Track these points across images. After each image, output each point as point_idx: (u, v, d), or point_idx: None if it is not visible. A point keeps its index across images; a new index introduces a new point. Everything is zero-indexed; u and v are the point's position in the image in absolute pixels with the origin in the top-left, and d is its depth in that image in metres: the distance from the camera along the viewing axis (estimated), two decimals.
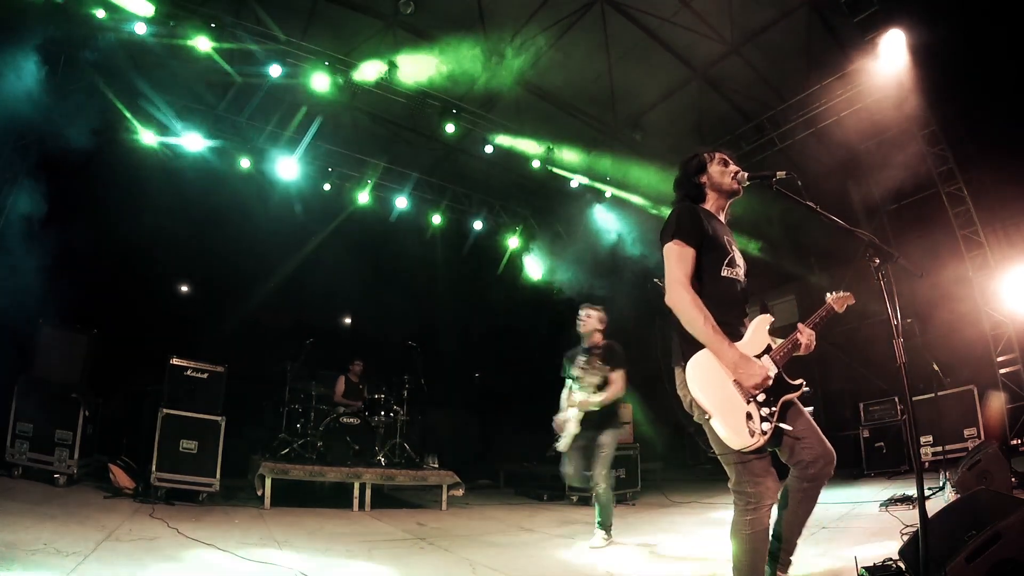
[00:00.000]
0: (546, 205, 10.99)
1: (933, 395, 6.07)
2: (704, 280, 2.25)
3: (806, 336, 2.30)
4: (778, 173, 2.34)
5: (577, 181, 9.54)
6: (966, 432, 6.21)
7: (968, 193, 7.34)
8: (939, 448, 6.05)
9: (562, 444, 4.50)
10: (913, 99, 6.99)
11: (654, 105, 8.84)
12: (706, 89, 8.44)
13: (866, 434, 7.26)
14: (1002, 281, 6.99)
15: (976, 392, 6.34)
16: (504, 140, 8.79)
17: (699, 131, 8.81)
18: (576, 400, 4.47)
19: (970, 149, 7.27)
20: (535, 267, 11.19)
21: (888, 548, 3.10)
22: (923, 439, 6.42)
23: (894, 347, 2.13)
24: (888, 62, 6.74)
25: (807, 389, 2.30)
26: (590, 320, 4.65)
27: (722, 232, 2.38)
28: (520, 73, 8.17)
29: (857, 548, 3.30)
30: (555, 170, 9.26)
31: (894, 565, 2.75)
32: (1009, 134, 6.66)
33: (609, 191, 9.75)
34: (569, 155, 9.29)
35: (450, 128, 8.34)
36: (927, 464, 6.02)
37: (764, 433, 2.06)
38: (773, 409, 2.12)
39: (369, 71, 7.52)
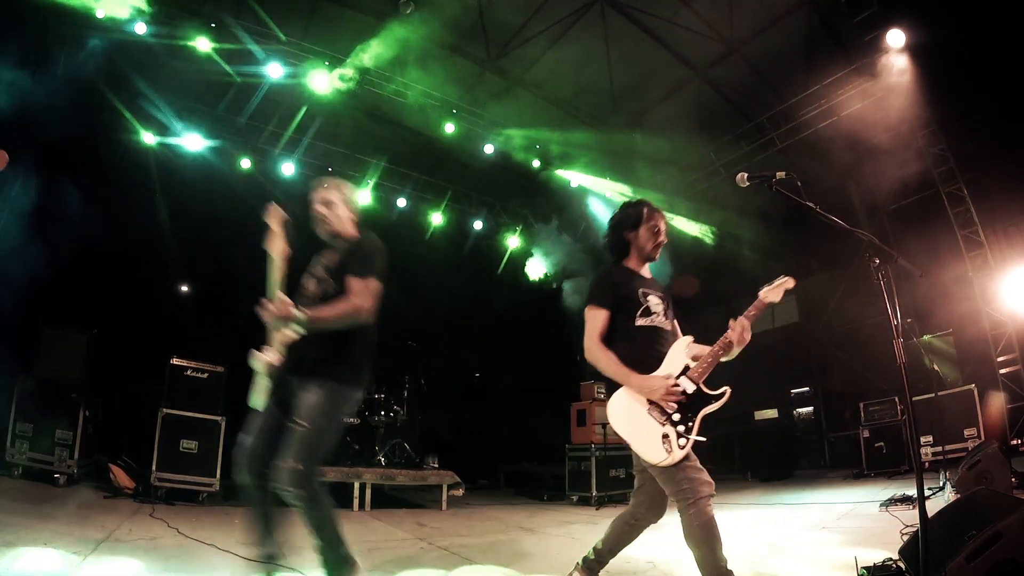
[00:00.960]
0: (546, 205, 11.00)
1: (933, 395, 6.07)
2: (621, 332, 2.54)
3: (737, 331, 2.47)
4: (777, 173, 2.35)
5: (577, 181, 9.54)
6: (966, 432, 6.21)
7: (968, 193, 7.35)
8: (939, 448, 6.04)
9: (256, 396, 2.61)
10: (913, 99, 7.00)
11: (654, 105, 8.84)
12: (706, 89, 8.45)
13: (866, 434, 7.26)
14: (1002, 281, 6.99)
15: (976, 392, 6.34)
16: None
17: (699, 131, 8.81)
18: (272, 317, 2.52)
19: (970, 149, 7.27)
20: (538, 267, 11.17)
21: (888, 548, 3.10)
22: (923, 439, 6.41)
23: (894, 347, 2.13)
24: (888, 62, 6.74)
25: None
26: (333, 209, 2.87)
27: (638, 286, 2.62)
28: (520, 73, 8.19)
29: (857, 548, 3.30)
30: (555, 170, 9.27)
31: (894, 565, 2.75)
32: (1009, 134, 6.66)
33: (609, 191, 9.75)
34: (569, 155, 9.30)
35: (450, 128, 8.34)
36: (927, 464, 6.02)
37: (682, 447, 2.28)
38: (690, 424, 2.33)
39: (369, 71, 7.54)
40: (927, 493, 2.22)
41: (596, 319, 2.55)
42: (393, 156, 9.57)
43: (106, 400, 5.98)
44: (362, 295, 2.69)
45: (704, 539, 2.19)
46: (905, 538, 3.13)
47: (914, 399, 2.11)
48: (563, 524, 5.64)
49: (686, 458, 2.28)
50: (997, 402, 6.52)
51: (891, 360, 2.11)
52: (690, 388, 2.39)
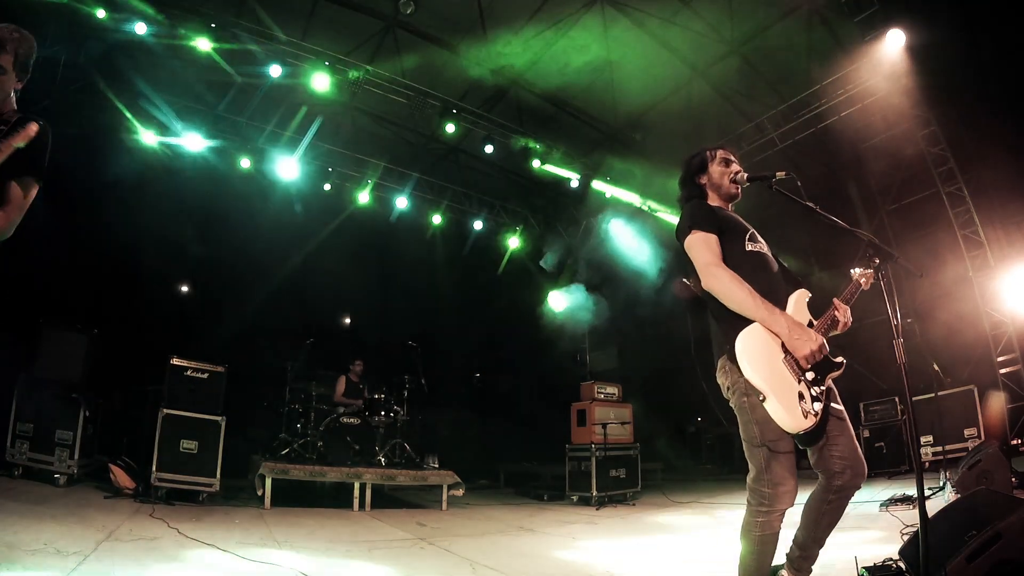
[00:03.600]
0: (546, 205, 11.00)
1: (933, 395, 6.06)
2: (733, 262, 2.21)
3: (843, 313, 2.24)
4: (778, 173, 2.34)
5: (577, 181, 9.54)
6: (966, 432, 6.21)
7: (968, 193, 7.34)
8: (939, 448, 6.04)
9: None
10: (913, 99, 6.99)
11: (654, 105, 8.84)
12: (706, 89, 8.44)
13: (866, 434, 7.26)
14: (1002, 281, 6.99)
15: (976, 392, 6.34)
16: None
17: (699, 131, 8.80)
18: None
19: (970, 149, 7.27)
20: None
21: (888, 548, 3.10)
22: (923, 439, 6.41)
23: (894, 347, 2.13)
24: (888, 62, 6.74)
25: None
26: None
27: (734, 216, 2.42)
28: (520, 73, 8.19)
29: (857, 548, 3.30)
30: (555, 170, 9.27)
31: (894, 565, 2.75)
32: (1009, 133, 6.66)
33: (609, 191, 9.74)
34: (569, 155, 9.30)
35: (450, 128, 8.34)
36: (927, 464, 6.02)
37: (816, 414, 1.99)
38: (822, 388, 2.06)
39: (369, 71, 7.54)
40: (927, 493, 2.22)
41: (709, 242, 2.19)
42: (393, 156, 9.58)
43: (106, 400, 5.98)
44: (20, 208, 1.99)
45: (758, 552, 2.07)
46: (905, 538, 3.14)
47: (914, 399, 2.10)
48: (563, 524, 5.63)
49: (787, 450, 2.01)
50: (997, 402, 6.52)
51: (891, 360, 2.11)
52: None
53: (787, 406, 1.97)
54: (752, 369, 2.01)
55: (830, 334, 2.25)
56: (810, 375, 2.05)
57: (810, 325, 2.19)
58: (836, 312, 2.25)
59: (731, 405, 2.20)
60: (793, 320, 2.08)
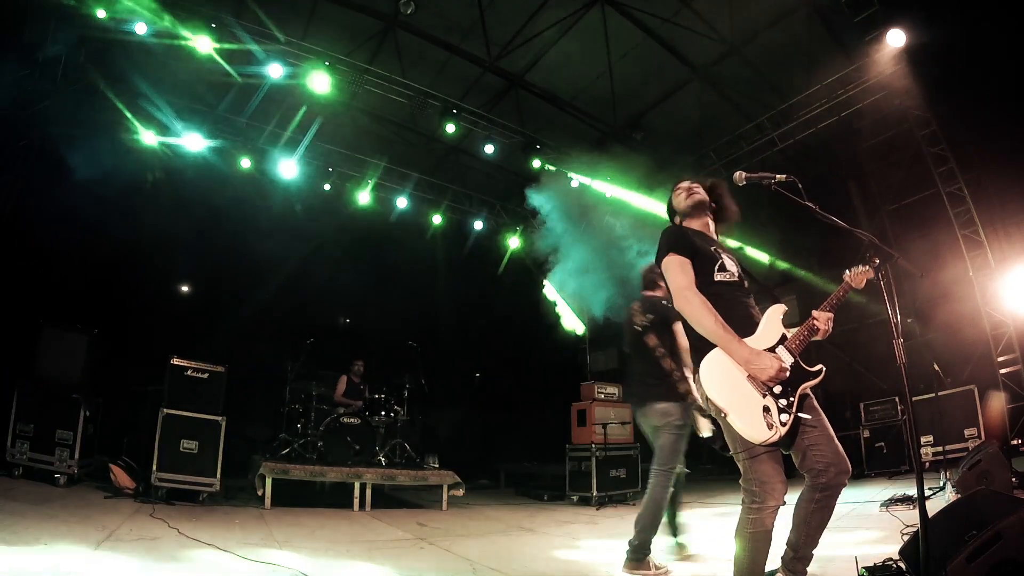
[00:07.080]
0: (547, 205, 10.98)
1: (933, 395, 6.07)
2: (700, 289, 2.32)
3: (823, 320, 2.31)
4: (777, 176, 2.35)
5: (577, 181, 9.54)
6: (966, 432, 6.21)
7: (968, 193, 7.34)
8: (939, 448, 6.04)
9: None
10: (913, 99, 6.99)
11: (654, 105, 8.85)
12: (706, 89, 8.45)
13: (866, 434, 7.26)
14: (1003, 281, 6.99)
15: (976, 392, 6.34)
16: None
17: (699, 131, 8.81)
18: None
19: (970, 149, 7.27)
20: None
21: (888, 548, 3.10)
22: (923, 439, 6.42)
23: (894, 347, 2.13)
24: (888, 62, 6.74)
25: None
26: None
27: (708, 244, 2.49)
28: (520, 73, 8.19)
29: (857, 548, 3.31)
30: (555, 170, 9.26)
31: (894, 565, 2.75)
32: (1009, 134, 6.66)
33: (609, 191, 9.74)
34: (569, 155, 9.30)
35: (450, 128, 8.34)
36: (927, 464, 6.02)
37: (784, 424, 2.08)
38: (791, 400, 2.14)
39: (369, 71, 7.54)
40: (927, 493, 2.22)
41: (682, 265, 2.33)
42: (393, 156, 9.57)
43: (106, 400, 5.98)
44: None
45: (751, 549, 2.13)
46: (905, 538, 3.14)
47: (914, 399, 2.11)
48: (563, 524, 5.64)
49: (776, 447, 2.11)
50: (997, 402, 6.51)
51: (891, 360, 2.11)
52: (788, 360, 2.19)
53: (749, 421, 2.09)
54: (714, 388, 2.15)
55: (811, 339, 2.30)
56: (778, 389, 2.14)
57: (784, 339, 2.26)
58: (815, 322, 2.31)
59: (713, 417, 2.27)
60: (750, 349, 2.16)
